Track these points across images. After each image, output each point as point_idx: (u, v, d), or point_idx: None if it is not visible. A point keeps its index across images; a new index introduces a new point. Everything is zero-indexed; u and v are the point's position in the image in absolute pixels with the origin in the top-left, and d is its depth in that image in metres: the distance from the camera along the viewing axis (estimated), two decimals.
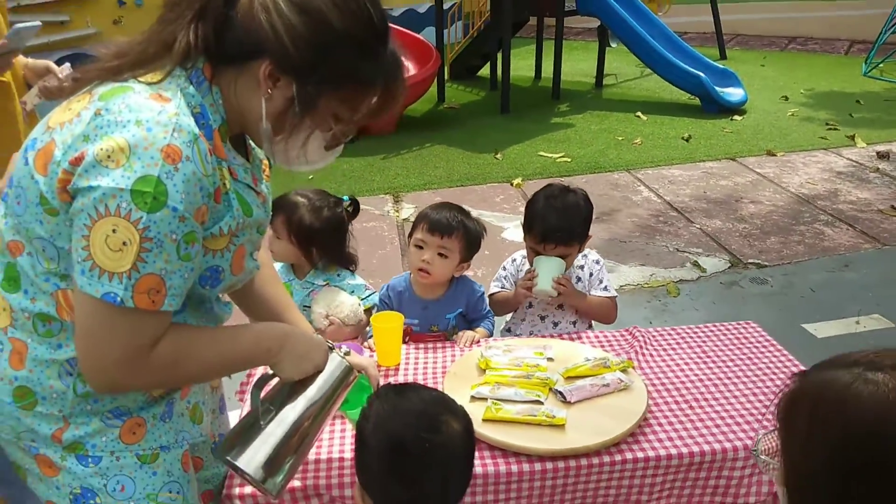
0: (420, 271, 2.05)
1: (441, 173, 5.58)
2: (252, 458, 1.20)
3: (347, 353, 1.39)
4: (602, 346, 1.98)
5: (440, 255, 2.03)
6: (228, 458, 1.20)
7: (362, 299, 2.18)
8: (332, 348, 1.34)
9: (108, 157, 0.98)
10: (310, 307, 2.11)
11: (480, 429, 1.55)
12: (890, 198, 5.08)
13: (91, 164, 0.98)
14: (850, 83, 8.48)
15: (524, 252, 2.23)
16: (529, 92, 8.40)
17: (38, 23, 2.19)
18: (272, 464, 1.20)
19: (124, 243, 0.98)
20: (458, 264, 2.07)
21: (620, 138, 6.48)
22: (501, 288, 2.23)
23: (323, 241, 2.13)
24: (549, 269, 2.07)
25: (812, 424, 0.86)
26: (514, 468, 1.51)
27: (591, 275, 2.20)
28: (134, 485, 1.19)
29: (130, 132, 0.99)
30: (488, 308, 2.19)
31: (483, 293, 2.18)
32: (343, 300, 2.13)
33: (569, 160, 5.89)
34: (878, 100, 7.80)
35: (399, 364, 1.90)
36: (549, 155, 6.03)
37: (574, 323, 2.21)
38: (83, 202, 0.99)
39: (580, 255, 2.20)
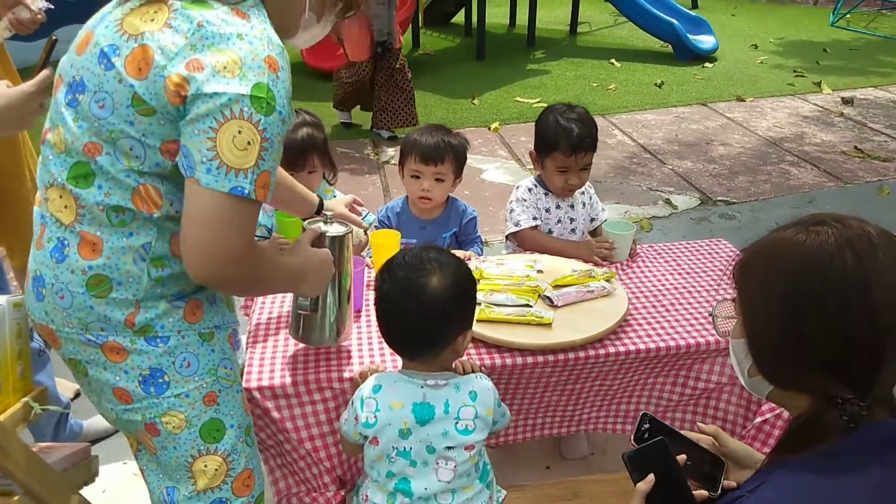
0: (421, 199, 2.17)
1: (419, 119, 5.62)
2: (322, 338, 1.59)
3: (328, 221, 1.56)
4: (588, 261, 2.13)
5: (437, 180, 2.14)
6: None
7: (363, 218, 2.28)
8: (322, 231, 1.52)
9: (224, 67, 1.09)
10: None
11: (475, 328, 1.67)
12: (853, 140, 5.29)
13: (211, 74, 1.09)
14: (817, 33, 8.66)
15: (529, 184, 2.26)
16: (504, 39, 8.41)
17: None
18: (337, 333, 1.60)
19: (248, 143, 1.11)
20: (452, 183, 2.19)
21: (595, 84, 6.57)
22: (533, 219, 2.19)
23: (324, 148, 2.24)
24: (626, 240, 2.10)
25: (766, 274, 0.99)
26: (509, 361, 1.65)
27: (590, 198, 2.32)
28: (197, 361, 1.29)
29: (237, 45, 1.11)
30: (478, 233, 2.30)
31: (475, 218, 2.28)
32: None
33: (545, 105, 5.91)
34: (844, 48, 7.99)
35: None
36: (526, 100, 6.11)
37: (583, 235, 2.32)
38: (208, 107, 1.09)
39: None
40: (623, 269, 2.08)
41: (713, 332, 1.76)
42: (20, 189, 2.32)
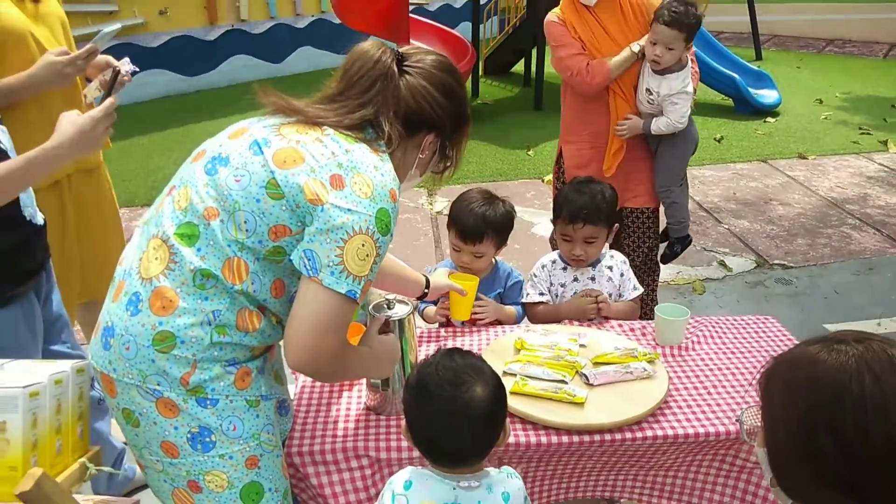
0: (462, 269, 2.25)
1: (473, 168, 5.73)
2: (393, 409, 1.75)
3: (391, 304, 1.73)
4: (633, 334, 2.13)
5: (476, 255, 2.21)
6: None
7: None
8: (387, 317, 1.69)
9: (361, 189, 1.29)
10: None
11: (508, 399, 1.71)
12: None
13: (350, 192, 1.28)
14: (886, 87, 8.43)
15: (553, 256, 2.34)
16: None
17: (118, 25, 2.38)
18: None
19: (367, 255, 1.29)
20: (495, 253, 2.25)
21: None
22: (540, 294, 2.29)
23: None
24: (679, 326, 2.08)
25: (786, 389, 1.00)
26: (534, 439, 1.66)
27: (621, 275, 2.31)
28: (243, 425, 1.38)
29: (372, 174, 1.32)
30: (522, 295, 2.33)
31: (519, 282, 2.33)
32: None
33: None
34: None
35: (468, 320, 2.14)
36: None
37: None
38: (342, 220, 1.27)
39: (608, 255, 2.32)
40: (667, 347, 2.07)
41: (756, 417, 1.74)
42: (112, 226, 2.59)
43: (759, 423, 1.09)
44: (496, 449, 1.60)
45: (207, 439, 1.34)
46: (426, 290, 2.06)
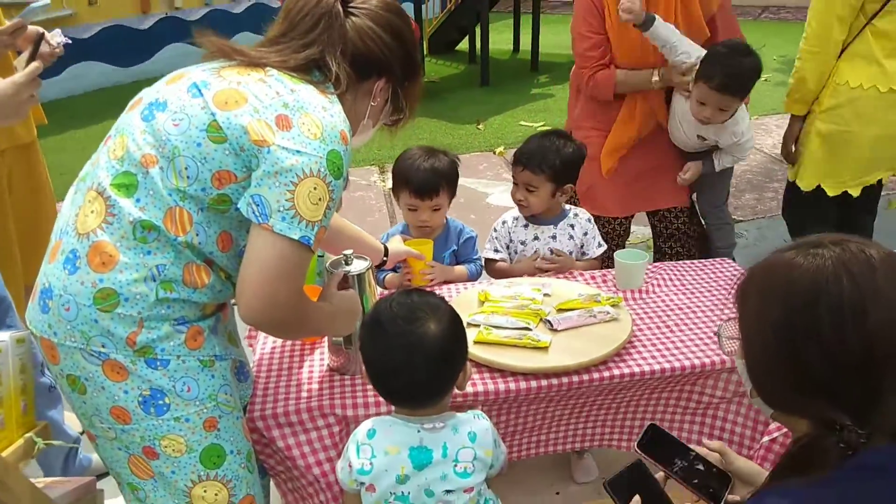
0: (421, 228, 2.21)
1: (424, 144, 5.66)
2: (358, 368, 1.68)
3: (349, 259, 1.67)
4: (595, 281, 2.13)
5: (433, 210, 2.17)
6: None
7: None
8: (346, 272, 1.63)
9: (309, 130, 1.23)
10: (322, 255, 2.22)
11: (471, 348, 1.67)
12: None
13: (297, 133, 1.22)
14: None
15: (514, 213, 2.31)
16: (508, 65, 8.49)
17: (47, 1, 2.26)
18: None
19: (320, 199, 1.24)
20: (448, 205, 2.22)
21: None
22: (495, 251, 2.28)
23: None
24: (638, 270, 2.06)
25: (762, 297, 0.98)
26: (502, 386, 1.64)
27: (585, 233, 2.29)
28: (198, 386, 1.31)
29: (321, 115, 1.26)
30: (478, 253, 2.31)
31: (472, 238, 2.29)
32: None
33: (549, 128, 5.99)
34: None
35: (429, 284, 2.11)
36: (530, 124, 6.15)
37: None
38: (291, 163, 1.21)
39: (571, 213, 2.30)
40: (629, 292, 2.07)
41: (718, 351, 1.75)
42: (46, 204, 2.45)
43: (737, 335, 1.06)
44: (460, 396, 1.58)
45: (160, 402, 1.28)
46: (385, 259, 2.02)
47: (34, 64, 1.60)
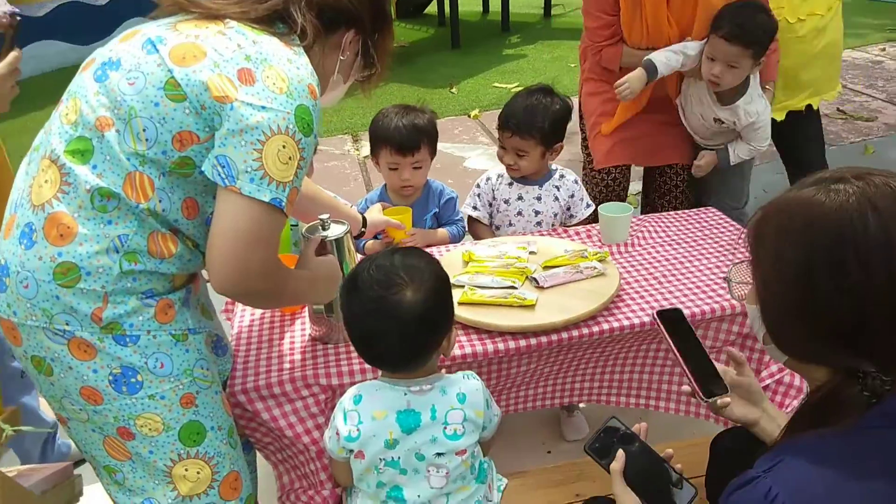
0: (404, 188, 2.13)
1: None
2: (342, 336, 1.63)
3: (326, 224, 1.58)
4: (579, 236, 2.08)
5: (415, 168, 2.10)
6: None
7: None
8: (323, 237, 1.56)
9: (275, 84, 1.14)
10: (296, 224, 2.15)
11: (455, 310, 1.64)
12: (834, 102, 5.26)
13: (262, 88, 1.14)
14: None
15: (500, 170, 2.24)
16: (479, 26, 8.34)
17: None
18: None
19: (290, 158, 1.16)
20: (430, 163, 2.15)
21: (573, 65, 6.51)
22: (474, 208, 2.22)
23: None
24: (623, 223, 2.02)
25: (779, 236, 0.91)
26: (489, 346, 1.60)
27: (571, 195, 2.23)
28: (171, 361, 1.25)
29: (286, 67, 1.17)
30: (460, 214, 2.25)
31: (453, 198, 2.23)
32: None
33: (534, 85, 5.91)
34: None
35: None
36: (504, 85, 6.05)
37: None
38: (257, 119, 1.12)
39: (557, 174, 2.24)
40: (615, 246, 2.03)
41: (707, 300, 1.72)
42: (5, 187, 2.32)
43: (749, 279, 1.01)
44: (445, 360, 1.53)
45: (133, 380, 1.21)
46: (363, 229, 1.95)
47: (13, 53, 1.53)
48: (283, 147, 1.15)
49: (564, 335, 1.62)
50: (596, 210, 2.28)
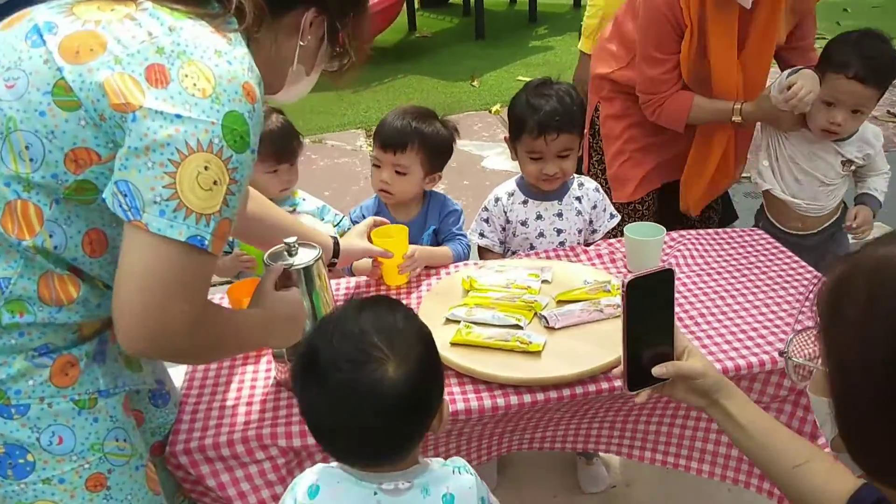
0: (381, 192, 1.85)
1: (415, 104, 5.29)
2: None
3: (293, 250, 1.31)
4: (601, 260, 1.79)
5: (398, 173, 1.80)
6: None
7: (335, 225, 1.98)
8: (287, 266, 1.28)
9: (195, 84, 0.89)
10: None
11: (446, 352, 1.37)
12: (884, 104, 4.87)
13: (177, 90, 0.88)
14: None
15: (509, 187, 1.93)
16: (505, 16, 8.00)
17: None
18: None
19: (215, 182, 0.90)
20: (423, 178, 1.84)
21: None
22: (481, 235, 1.90)
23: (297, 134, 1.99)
24: (653, 248, 1.71)
25: (869, 310, 0.66)
26: (487, 402, 1.31)
27: (594, 206, 1.91)
28: (74, 435, 0.99)
29: (213, 62, 0.91)
30: (462, 229, 1.93)
31: (456, 211, 1.92)
32: (317, 227, 1.93)
33: (526, 84, 5.60)
34: (866, 7, 7.52)
35: (407, 282, 1.72)
36: (529, 79, 5.70)
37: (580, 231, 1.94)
38: (168, 133, 0.87)
39: (576, 183, 1.92)
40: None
41: (755, 350, 1.42)
42: None
43: (816, 358, 0.77)
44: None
45: (21, 461, 0.96)
46: (334, 260, 1.58)
47: None
48: (206, 168, 0.89)
49: (579, 390, 1.33)
50: (620, 224, 1.98)
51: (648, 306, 0.99)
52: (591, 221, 1.94)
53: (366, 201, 1.97)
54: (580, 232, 1.92)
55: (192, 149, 0.87)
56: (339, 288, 1.73)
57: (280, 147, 1.88)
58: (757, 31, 1.90)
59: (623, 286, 0.97)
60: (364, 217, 1.91)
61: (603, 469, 1.97)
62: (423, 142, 1.78)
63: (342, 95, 5.48)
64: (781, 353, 0.90)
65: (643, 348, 1.01)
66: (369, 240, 1.67)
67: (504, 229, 1.91)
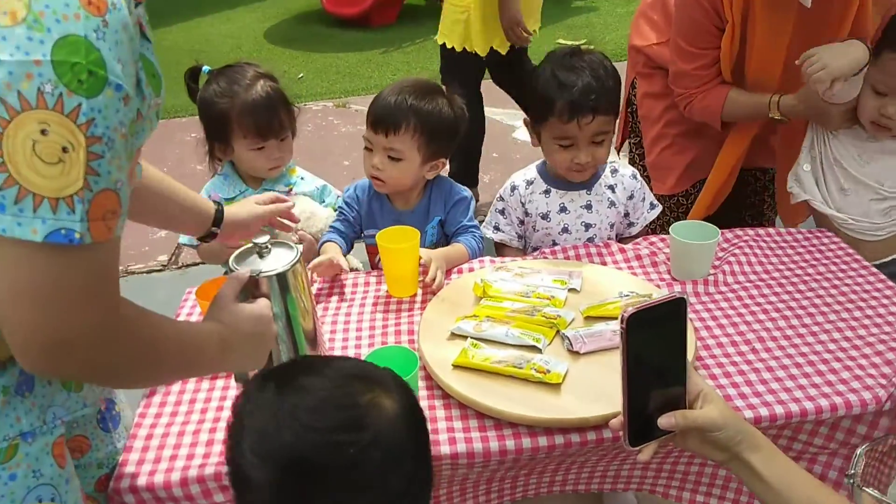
0: (373, 179, 1.58)
1: (437, 70, 4.99)
2: None
3: (264, 251, 1.10)
4: (640, 262, 1.52)
5: (391, 158, 1.53)
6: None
7: (336, 209, 1.74)
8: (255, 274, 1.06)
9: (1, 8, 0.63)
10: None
11: (446, 375, 1.16)
12: None
13: None
14: None
15: (528, 174, 1.66)
16: None
17: None
18: None
19: (64, 149, 0.66)
20: (422, 164, 1.57)
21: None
22: (496, 229, 1.67)
23: (289, 105, 1.71)
24: (706, 252, 1.45)
25: None
26: (494, 445, 1.08)
27: (630, 196, 1.65)
28: None
29: None
30: (473, 219, 1.66)
31: (465, 199, 1.64)
32: (314, 211, 1.71)
33: (592, 47, 5.23)
34: None
35: (415, 294, 1.46)
36: (569, 42, 5.37)
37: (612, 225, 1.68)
38: None
39: (608, 169, 1.65)
40: (692, 285, 1.46)
41: (824, 388, 1.17)
42: None
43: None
44: None
45: None
46: (213, 229, 1.33)
47: None
48: (43, 133, 0.65)
49: (607, 434, 1.09)
50: (662, 217, 1.71)
51: (654, 344, 0.83)
52: (626, 214, 1.67)
53: (361, 180, 1.69)
54: (611, 226, 1.65)
55: (13, 109, 0.63)
56: (322, 291, 1.49)
57: (262, 121, 1.61)
58: (816, 26, 1.56)
59: (622, 321, 0.79)
60: (359, 199, 1.66)
61: (632, 495, 1.74)
62: (420, 122, 1.51)
63: (369, 56, 5.21)
64: (848, 477, 0.68)
65: (648, 393, 0.85)
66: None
67: (522, 223, 1.66)
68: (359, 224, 1.65)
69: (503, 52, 2.92)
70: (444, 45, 2.97)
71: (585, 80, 1.47)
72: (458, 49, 2.91)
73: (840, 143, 1.63)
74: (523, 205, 1.64)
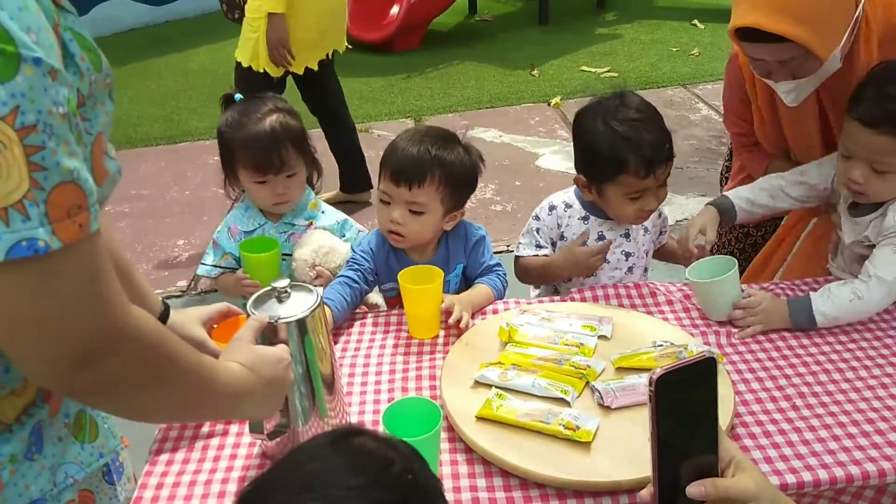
0: (391, 234, 1.49)
1: (469, 93, 4.96)
2: None
3: (283, 296, 1.06)
4: (672, 308, 1.46)
5: (412, 212, 1.46)
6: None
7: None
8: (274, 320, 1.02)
9: None
10: (290, 255, 1.65)
11: (469, 428, 1.11)
12: None
13: None
14: None
15: (566, 197, 1.62)
16: (571, 1, 7.58)
17: None
18: None
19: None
20: (443, 217, 1.49)
21: (675, 49, 5.71)
22: (537, 248, 1.60)
23: (303, 140, 1.66)
24: (726, 288, 1.39)
25: None
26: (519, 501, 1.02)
27: (659, 214, 1.65)
28: None
29: None
30: (493, 257, 1.60)
31: (483, 238, 1.58)
32: (334, 246, 1.66)
33: (615, 75, 5.20)
34: None
35: (437, 336, 1.40)
36: (593, 70, 5.34)
37: (645, 270, 1.66)
38: None
39: None
40: (722, 326, 1.40)
41: (870, 448, 1.09)
42: None
43: None
44: None
45: None
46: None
47: None
48: None
49: (625, 500, 1.03)
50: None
51: (685, 406, 0.77)
52: (658, 235, 1.68)
53: (372, 233, 1.60)
54: (647, 254, 1.63)
55: None
56: (342, 330, 1.45)
57: (260, 155, 1.55)
58: (839, 87, 1.44)
59: (650, 384, 0.73)
60: (373, 252, 1.54)
61: None
62: (444, 173, 1.43)
63: (392, 82, 5.20)
64: None
65: (680, 460, 0.79)
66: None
67: (554, 244, 1.60)
68: (373, 275, 1.55)
69: (273, 73, 3.02)
70: (238, 62, 3.08)
71: (653, 133, 1.45)
72: (245, 65, 3.03)
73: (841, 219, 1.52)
74: (559, 226, 1.59)
